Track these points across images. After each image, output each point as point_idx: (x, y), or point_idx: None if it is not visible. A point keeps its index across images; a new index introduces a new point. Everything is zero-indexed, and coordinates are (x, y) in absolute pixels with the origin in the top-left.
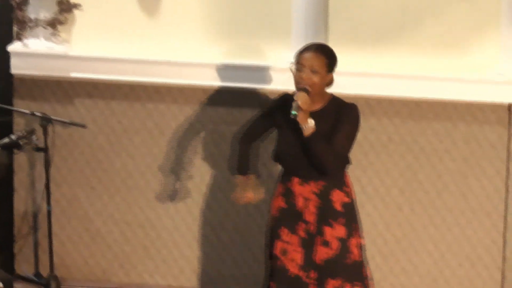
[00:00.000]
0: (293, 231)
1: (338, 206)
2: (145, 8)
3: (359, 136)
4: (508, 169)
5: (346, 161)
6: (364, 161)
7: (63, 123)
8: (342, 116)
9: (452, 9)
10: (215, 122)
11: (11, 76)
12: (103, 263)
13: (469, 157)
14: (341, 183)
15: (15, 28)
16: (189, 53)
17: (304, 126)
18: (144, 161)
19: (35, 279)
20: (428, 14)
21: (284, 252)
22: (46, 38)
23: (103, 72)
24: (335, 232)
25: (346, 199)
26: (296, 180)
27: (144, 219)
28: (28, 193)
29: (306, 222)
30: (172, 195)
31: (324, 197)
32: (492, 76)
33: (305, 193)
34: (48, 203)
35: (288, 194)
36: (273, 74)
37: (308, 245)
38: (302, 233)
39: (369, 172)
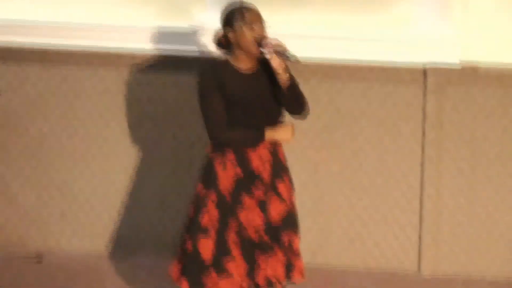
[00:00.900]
0: (252, 195)
1: (284, 160)
2: None
3: None
4: (423, 129)
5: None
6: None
7: None
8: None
9: None
10: (131, 85)
11: None
12: (19, 228)
13: (385, 118)
14: None
15: None
16: (103, 15)
17: (286, 73)
18: (59, 125)
19: None
20: None
21: (248, 218)
22: None
23: (17, 35)
24: (286, 186)
25: (284, 152)
26: None
27: (60, 182)
28: None
29: (262, 181)
30: (89, 158)
31: (275, 154)
32: (406, 36)
33: (260, 153)
34: None
35: (242, 160)
36: (194, 36)
37: (264, 206)
38: (259, 193)
39: None
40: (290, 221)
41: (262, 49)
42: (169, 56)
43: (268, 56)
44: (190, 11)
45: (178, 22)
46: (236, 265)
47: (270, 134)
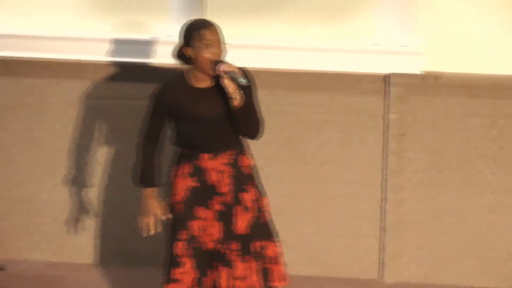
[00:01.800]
0: (208, 206)
1: (247, 170)
2: None
3: None
4: (385, 138)
5: None
6: None
7: None
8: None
9: None
10: (94, 97)
11: None
12: None
13: (348, 127)
14: (244, 147)
15: None
16: (66, 28)
17: (236, 96)
18: (22, 136)
19: None
20: None
21: (204, 229)
22: None
23: None
24: (250, 195)
25: (250, 161)
26: (206, 156)
27: (23, 194)
28: None
29: (221, 194)
30: (53, 170)
31: (235, 165)
32: (369, 46)
33: (217, 166)
34: None
35: (198, 172)
36: (154, 47)
37: (226, 217)
38: (218, 206)
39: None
40: (260, 229)
41: (217, 70)
42: (131, 67)
43: (220, 78)
44: (151, 23)
45: (139, 34)
46: (185, 272)
47: (146, 193)
